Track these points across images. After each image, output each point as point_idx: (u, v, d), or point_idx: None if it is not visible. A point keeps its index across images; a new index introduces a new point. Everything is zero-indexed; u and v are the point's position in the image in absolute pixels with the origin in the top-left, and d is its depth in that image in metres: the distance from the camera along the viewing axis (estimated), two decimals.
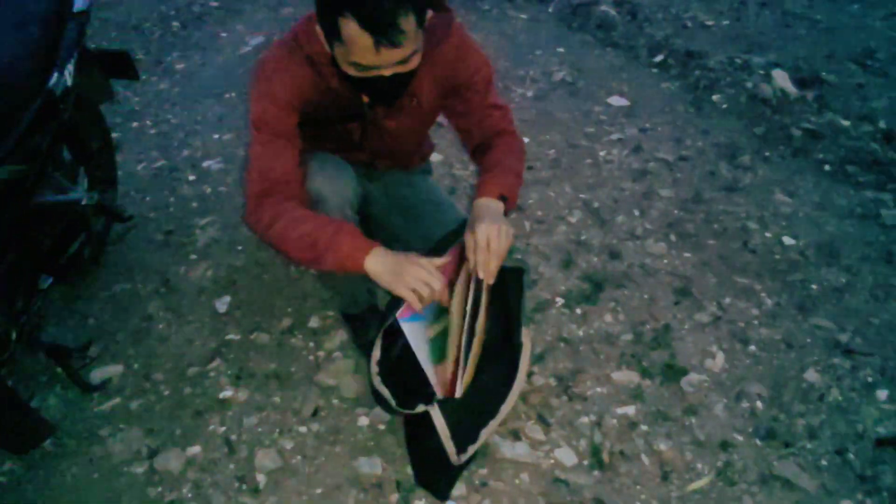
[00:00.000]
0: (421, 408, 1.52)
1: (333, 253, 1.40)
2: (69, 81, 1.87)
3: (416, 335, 1.54)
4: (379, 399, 1.59)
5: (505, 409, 1.59)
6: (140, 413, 1.84)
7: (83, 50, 1.99)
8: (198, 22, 4.31)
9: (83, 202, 1.99)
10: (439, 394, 1.58)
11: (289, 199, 1.49)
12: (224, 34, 4.14)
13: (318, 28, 1.39)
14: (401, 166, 1.92)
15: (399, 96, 1.49)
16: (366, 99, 1.58)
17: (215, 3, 4.51)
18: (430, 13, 1.37)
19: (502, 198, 1.54)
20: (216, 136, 3.08)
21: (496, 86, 1.70)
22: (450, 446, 1.54)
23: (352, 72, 1.35)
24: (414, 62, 1.37)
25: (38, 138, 1.75)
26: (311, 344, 2.03)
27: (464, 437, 1.57)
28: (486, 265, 1.45)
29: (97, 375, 1.94)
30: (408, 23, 1.26)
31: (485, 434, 1.58)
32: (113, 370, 1.96)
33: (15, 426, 1.67)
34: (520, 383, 1.61)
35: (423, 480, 1.65)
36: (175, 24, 4.29)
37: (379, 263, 1.39)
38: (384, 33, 1.24)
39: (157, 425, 1.81)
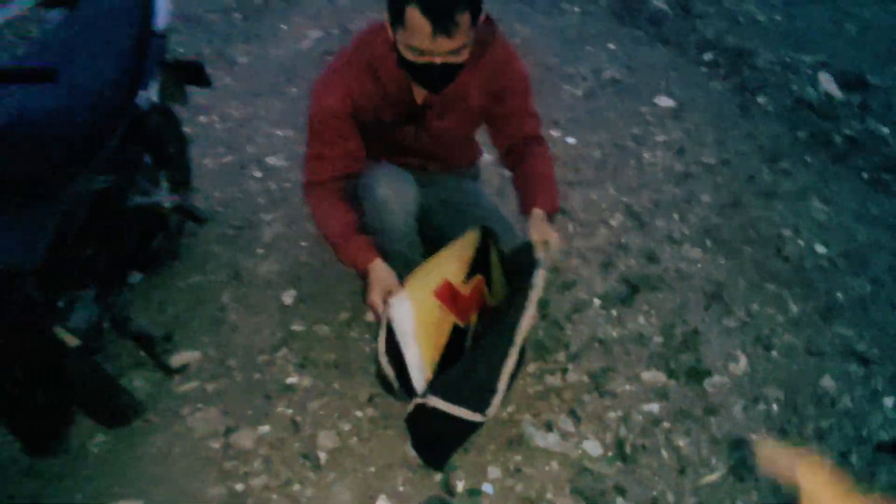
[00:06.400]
0: (418, 400, 1.58)
1: (345, 254, 1.80)
2: (154, 97, 2.08)
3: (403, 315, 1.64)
4: (383, 381, 1.72)
5: (514, 350, 1.55)
6: (216, 395, 2.06)
7: (164, 66, 2.19)
8: (258, 14, 4.45)
9: (166, 204, 2.22)
10: (421, 385, 1.63)
11: (332, 192, 1.82)
12: (284, 26, 4.28)
13: (384, 16, 1.62)
14: (450, 168, 2.09)
15: (448, 83, 1.67)
16: (419, 101, 1.79)
17: None
18: (482, 16, 1.59)
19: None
20: (279, 132, 3.25)
21: (538, 88, 1.90)
22: (467, 413, 1.54)
23: (409, 56, 1.58)
24: (464, 55, 1.60)
25: (128, 150, 1.97)
26: (367, 336, 2.22)
27: (479, 397, 1.55)
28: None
29: (177, 360, 2.16)
30: (462, 18, 1.50)
31: (503, 382, 1.55)
32: (191, 356, 2.17)
33: (109, 404, 1.91)
34: (528, 319, 1.57)
35: (423, 454, 1.78)
36: (237, 15, 4.41)
37: (371, 273, 1.74)
38: (440, 22, 1.49)
39: (231, 406, 2.02)
